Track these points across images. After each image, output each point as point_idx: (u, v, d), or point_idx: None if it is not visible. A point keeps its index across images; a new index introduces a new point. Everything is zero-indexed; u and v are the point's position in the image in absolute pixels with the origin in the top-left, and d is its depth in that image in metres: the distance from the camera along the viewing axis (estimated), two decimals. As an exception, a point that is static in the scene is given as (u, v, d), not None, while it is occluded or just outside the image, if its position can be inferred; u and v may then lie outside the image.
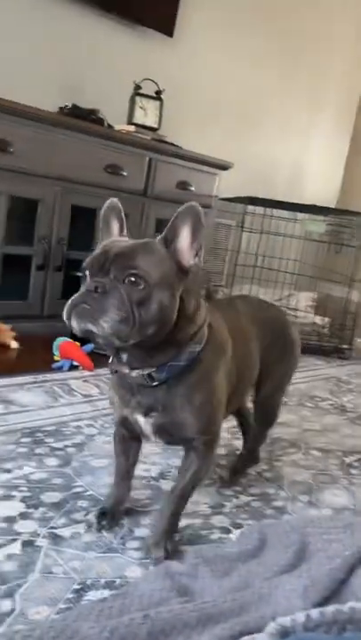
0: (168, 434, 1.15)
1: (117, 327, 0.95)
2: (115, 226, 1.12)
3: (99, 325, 0.95)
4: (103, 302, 0.96)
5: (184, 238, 1.03)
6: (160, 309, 0.99)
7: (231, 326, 1.26)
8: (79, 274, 1.04)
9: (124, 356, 1.07)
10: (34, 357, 2.35)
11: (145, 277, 0.97)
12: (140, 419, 1.14)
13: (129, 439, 1.25)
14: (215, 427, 1.18)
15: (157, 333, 1.01)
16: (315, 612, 0.76)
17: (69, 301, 0.99)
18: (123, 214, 1.12)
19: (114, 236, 1.11)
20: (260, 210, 3.19)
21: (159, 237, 1.05)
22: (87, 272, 1.01)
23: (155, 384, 1.08)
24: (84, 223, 2.78)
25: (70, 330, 1.00)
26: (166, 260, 1.03)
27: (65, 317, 0.99)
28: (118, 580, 1.06)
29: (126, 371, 1.08)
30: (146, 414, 1.12)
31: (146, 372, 1.07)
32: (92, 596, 1.01)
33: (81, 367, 2.27)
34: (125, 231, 1.12)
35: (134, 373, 1.08)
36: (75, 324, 0.98)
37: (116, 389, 1.18)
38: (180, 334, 1.06)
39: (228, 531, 1.29)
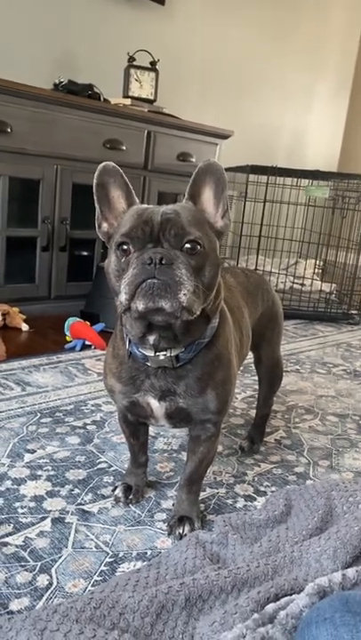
0: (184, 416, 1.07)
1: (192, 299, 0.86)
2: (116, 193, 0.98)
3: (174, 300, 0.85)
4: (174, 274, 0.85)
5: (207, 199, 0.96)
6: (214, 274, 0.93)
7: (227, 299, 1.20)
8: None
9: (152, 338, 0.96)
10: (46, 339, 2.36)
11: (200, 242, 0.89)
12: (153, 402, 1.06)
13: (135, 423, 1.20)
14: (229, 405, 1.11)
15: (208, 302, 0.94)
16: (351, 572, 0.77)
17: (127, 280, 0.87)
18: (125, 179, 0.98)
19: (121, 205, 0.99)
20: (262, 178, 3.14)
21: (185, 199, 0.97)
22: (130, 245, 0.90)
23: (179, 365, 1.01)
24: (86, 202, 2.73)
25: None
26: (205, 221, 0.96)
27: (126, 298, 0.87)
28: (149, 552, 1.08)
29: (150, 354, 1.00)
30: (161, 398, 1.05)
31: (174, 353, 0.99)
32: (125, 567, 1.03)
33: (93, 346, 2.27)
34: (137, 199, 1.00)
35: (161, 356, 0.99)
36: (142, 304, 0.86)
37: (117, 377, 1.08)
38: (210, 306, 0.98)
39: (252, 498, 1.31)
